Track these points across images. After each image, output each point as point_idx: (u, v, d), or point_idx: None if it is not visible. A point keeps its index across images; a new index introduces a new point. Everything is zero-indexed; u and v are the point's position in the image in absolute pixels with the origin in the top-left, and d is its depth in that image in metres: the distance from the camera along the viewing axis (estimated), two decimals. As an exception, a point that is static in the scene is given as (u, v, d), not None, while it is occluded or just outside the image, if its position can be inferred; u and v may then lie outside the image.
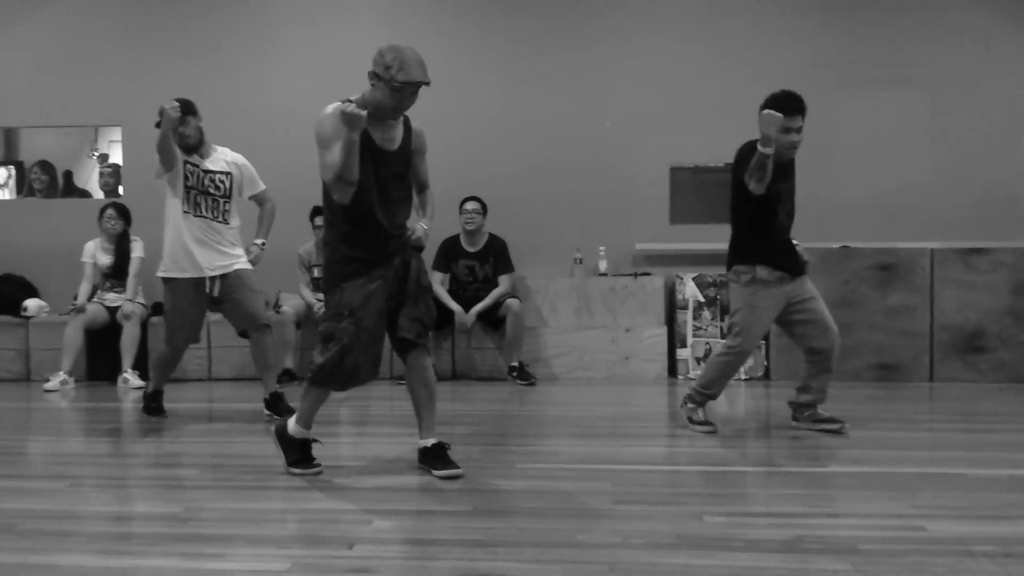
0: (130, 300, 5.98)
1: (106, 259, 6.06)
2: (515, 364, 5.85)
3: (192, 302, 4.41)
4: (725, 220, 6.80)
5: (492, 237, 6.15)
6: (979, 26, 6.32)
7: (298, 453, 3.34)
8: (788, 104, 3.93)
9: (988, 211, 6.36)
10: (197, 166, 4.40)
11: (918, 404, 5.06)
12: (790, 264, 4.09)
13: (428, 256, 6.11)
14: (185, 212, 4.37)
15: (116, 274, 6.05)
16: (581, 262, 6.39)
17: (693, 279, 6.12)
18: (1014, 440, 3.83)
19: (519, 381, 5.78)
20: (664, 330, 6.14)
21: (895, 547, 2.43)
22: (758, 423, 4.62)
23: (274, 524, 2.71)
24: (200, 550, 2.45)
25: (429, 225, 3.43)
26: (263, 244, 4.60)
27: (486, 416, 4.71)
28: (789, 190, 4.14)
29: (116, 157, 6.84)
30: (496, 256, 6.10)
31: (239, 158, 4.59)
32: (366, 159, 3.17)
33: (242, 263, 4.47)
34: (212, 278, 4.40)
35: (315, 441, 3.40)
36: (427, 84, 3.11)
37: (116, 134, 6.83)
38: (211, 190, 4.42)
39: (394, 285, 3.25)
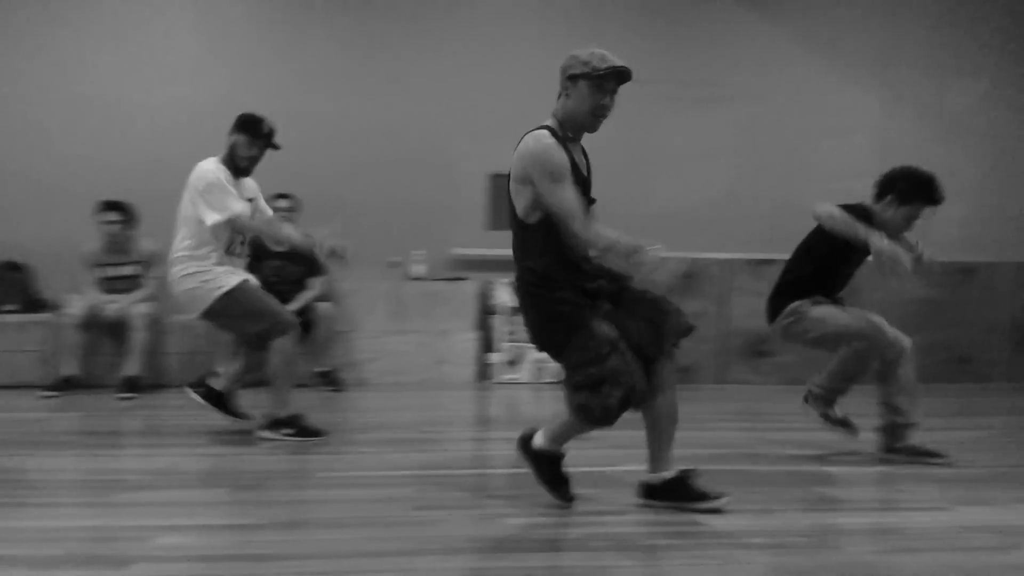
0: None
1: None
2: (324, 370, 5.71)
3: None
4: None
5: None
6: (776, 51, 6.78)
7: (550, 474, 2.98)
8: (932, 194, 3.62)
9: (778, 224, 6.82)
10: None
11: (707, 405, 5.34)
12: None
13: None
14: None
15: None
16: (397, 265, 6.34)
17: (506, 284, 6.20)
18: (790, 438, 4.12)
19: (327, 387, 5.64)
20: (477, 335, 6.19)
21: (677, 541, 2.54)
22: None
23: (35, 544, 2.48)
24: (-52, 578, 2.22)
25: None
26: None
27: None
28: (858, 262, 3.87)
29: None
30: (307, 257, 5.91)
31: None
32: (575, 184, 2.91)
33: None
34: None
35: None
36: (629, 74, 2.88)
37: None
38: None
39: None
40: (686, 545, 2.51)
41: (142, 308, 5.52)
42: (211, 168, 4.01)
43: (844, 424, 3.80)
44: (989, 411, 5.14)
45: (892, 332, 3.62)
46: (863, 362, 3.63)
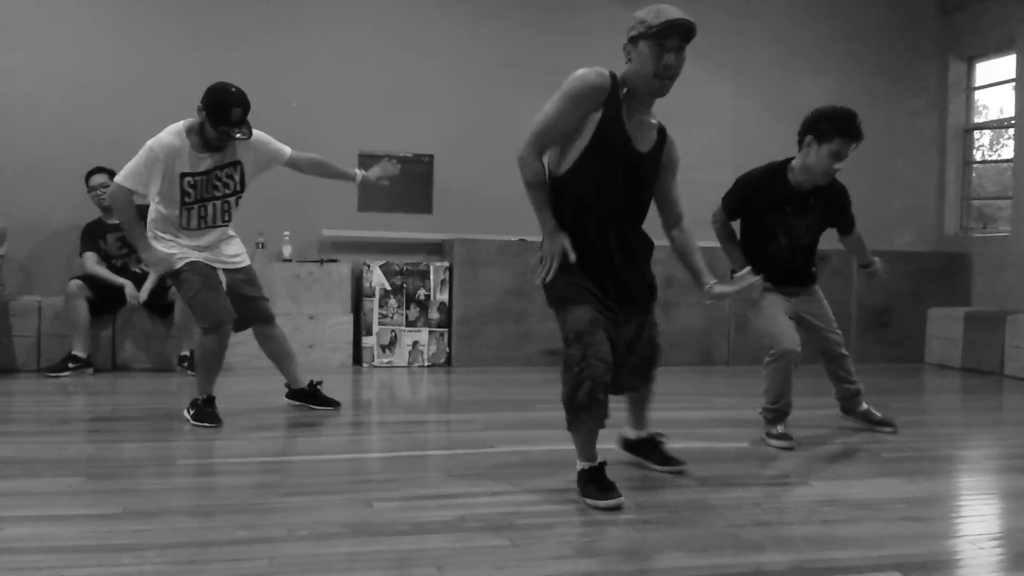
0: None
1: None
2: (185, 354, 5.48)
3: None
4: (413, 209, 6.90)
5: (137, 207, 5.66)
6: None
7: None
8: (851, 128, 3.55)
9: (654, 209, 7.01)
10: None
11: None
12: (790, 286, 3.82)
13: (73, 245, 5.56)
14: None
15: None
16: (264, 247, 6.14)
17: (380, 267, 6.12)
18: (660, 418, 4.24)
19: (189, 372, 5.42)
20: (350, 318, 6.09)
21: (547, 520, 2.57)
22: (439, 408, 4.72)
23: None
24: None
25: (716, 287, 2.90)
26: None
27: (149, 410, 4.36)
28: (806, 224, 3.74)
29: None
30: (145, 221, 5.61)
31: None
32: (615, 155, 2.68)
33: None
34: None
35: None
36: (691, 27, 2.58)
37: None
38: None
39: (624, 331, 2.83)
40: (555, 523, 2.55)
41: (-14, 288, 5.15)
42: (160, 135, 3.81)
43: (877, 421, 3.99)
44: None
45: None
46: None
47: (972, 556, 2.40)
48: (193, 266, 3.85)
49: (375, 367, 6.00)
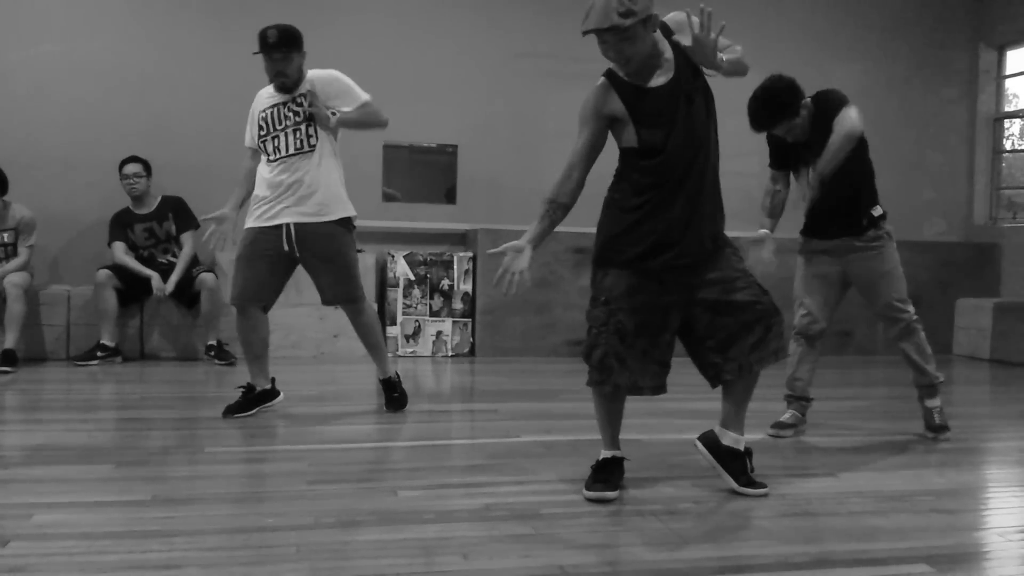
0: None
1: None
2: (212, 343, 5.54)
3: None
4: (437, 199, 6.91)
5: (165, 197, 5.73)
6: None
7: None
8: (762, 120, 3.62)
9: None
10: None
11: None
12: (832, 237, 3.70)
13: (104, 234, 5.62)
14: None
15: None
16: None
17: (404, 257, 6.14)
18: (685, 408, 4.23)
19: (217, 361, 5.47)
20: (375, 308, 6.11)
21: (574, 510, 2.58)
22: (463, 398, 4.74)
23: (-96, 527, 2.33)
24: None
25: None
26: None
27: (177, 399, 4.41)
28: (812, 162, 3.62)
29: None
30: (174, 212, 5.69)
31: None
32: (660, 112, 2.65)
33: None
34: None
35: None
36: (595, 32, 2.54)
37: None
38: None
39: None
40: (581, 513, 2.55)
41: (16, 278, 5.22)
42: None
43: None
44: (869, 382, 5.41)
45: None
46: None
47: (1000, 548, 2.38)
48: (244, 234, 3.86)
49: (399, 357, 6.02)
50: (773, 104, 3.58)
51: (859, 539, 2.38)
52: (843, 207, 3.64)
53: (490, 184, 6.63)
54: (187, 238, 5.64)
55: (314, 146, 3.82)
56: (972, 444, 3.65)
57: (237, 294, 3.83)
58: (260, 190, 3.87)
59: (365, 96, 3.96)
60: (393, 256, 6.13)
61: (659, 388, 2.75)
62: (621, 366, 2.66)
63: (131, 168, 5.55)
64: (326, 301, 3.96)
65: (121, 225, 5.60)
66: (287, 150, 3.82)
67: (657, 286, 2.68)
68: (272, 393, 3.96)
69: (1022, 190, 7.73)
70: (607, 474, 2.75)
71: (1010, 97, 7.69)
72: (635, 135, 2.67)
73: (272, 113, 3.86)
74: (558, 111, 6.78)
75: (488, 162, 6.63)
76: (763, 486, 2.78)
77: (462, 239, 6.65)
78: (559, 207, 2.80)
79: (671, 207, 2.65)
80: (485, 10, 6.67)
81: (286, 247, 3.78)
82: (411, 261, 6.15)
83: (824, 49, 7.20)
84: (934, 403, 3.72)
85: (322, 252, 3.82)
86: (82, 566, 2.07)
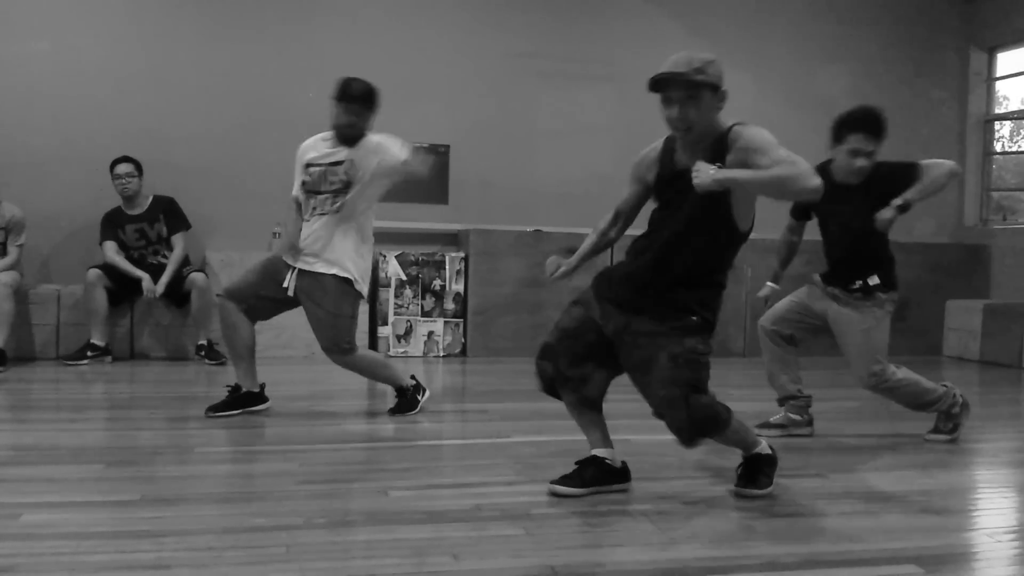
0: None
1: None
2: (202, 342, 5.52)
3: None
4: (429, 199, 6.90)
5: (157, 198, 5.71)
6: (657, 32, 6.89)
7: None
8: (858, 122, 3.52)
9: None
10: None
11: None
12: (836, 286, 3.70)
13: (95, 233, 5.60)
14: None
15: None
16: (279, 236, 6.16)
17: (396, 257, 6.14)
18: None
19: (207, 361, 5.46)
20: (366, 308, 6.09)
21: (564, 510, 2.58)
22: (454, 398, 4.73)
23: None
24: None
25: None
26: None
27: (167, 398, 4.39)
28: (854, 209, 3.58)
29: None
30: (166, 213, 5.67)
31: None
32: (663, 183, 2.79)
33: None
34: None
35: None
36: (669, 78, 2.58)
37: None
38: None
39: None
40: (570, 513, 2.55)
41: (5, 277, 5.20)
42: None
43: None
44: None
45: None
46: None
47: (989, 549, 2.39)
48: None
49: (390, 357, 6.01)
50: (882, 117, 3.55)
51: (848, 539, 2.38)
52: (859, 260, 3.68)
53: (482, 184, 6.63)
54: (178, 239, 5.62)
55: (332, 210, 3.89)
56: (961, 445, 3.66)
57: (227, 286, 3.94)
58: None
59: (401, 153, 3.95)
60: (385, 256, 6.12)
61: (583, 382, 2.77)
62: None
63: (123, 168, 5.52)
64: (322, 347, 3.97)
65: (112, 225, 5.58)
66: (315, 211, 3.92)
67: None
68: (260, 397, 3.96)
69: (1012, 192, 7.77)
70: (579, 470, 2.78)
71: (1000, 99, 7.73)
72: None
73: (318, 172, 3.92)
74: (550, 111, 6.81)
75: (480, 162, 6.63)
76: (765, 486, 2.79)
77: (454, 239, 6.64)
78: (605, 240, 3.00)
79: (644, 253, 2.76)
80: (478, 10, 6.67)
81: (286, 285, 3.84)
82: (403, 261, 6.15)
83: (815, 50, 7.23)
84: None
85: (315, 297, 3.85)
86: (70, 566, 2.06)
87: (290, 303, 3.92)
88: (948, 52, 7.51)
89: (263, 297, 3.87)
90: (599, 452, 2.81)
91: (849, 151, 3.50)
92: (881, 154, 3.59)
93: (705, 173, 2.48)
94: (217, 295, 3.90)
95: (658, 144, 2.82)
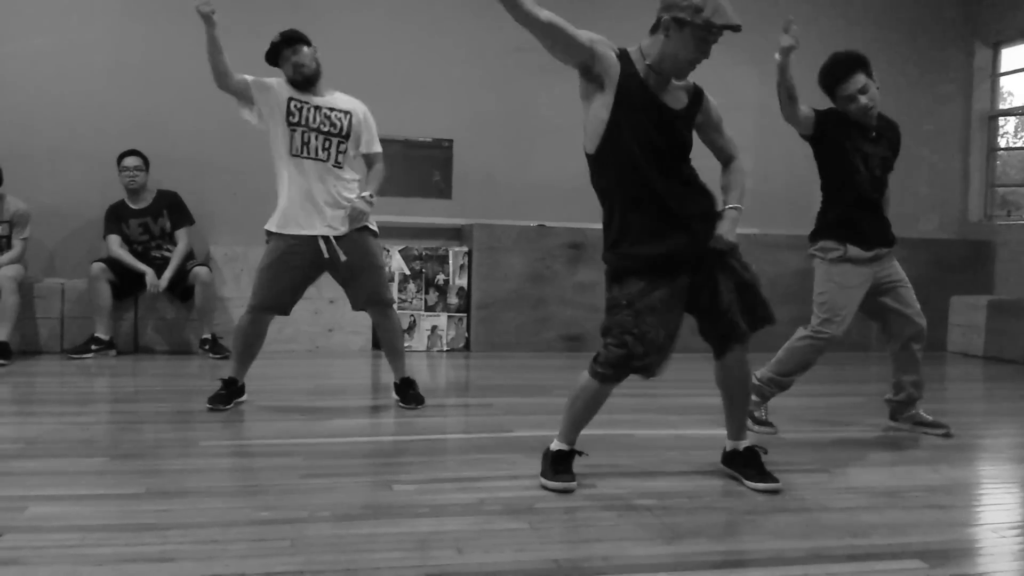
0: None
1: None
2: (206, 336, 5.53)
3: (297, 266, 3.79)
4: (433, 194, 6.90)
5: (161, 192, 5.72)
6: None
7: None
8: (835, 70, 3.59)
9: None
10: (306, 102, 3.78)
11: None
12: (879, 240, 3.61)
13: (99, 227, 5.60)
14: (293, 155, 3.76)
15: None
16: (284, 231, 6.16)
17: (400, 251, 6.14)
18: (679, 403, 4.24)
19: (211, 355, 5.47)
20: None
21: (568, 504, 2.58)
22: (458, 392, 4.74)
23: None
24: None
25: (734, 222, 2.72)
26: (371, 196, 3.89)
27: (171, 392, 4.39)
28: (880, 155, 3.60)
29: None
30: (169, 208, 5.67)
31: (362, 105, 3.96)
32: (651, 116, 2.61)
33: (369, 224, 3.90)
34: (332, 239, 3.79)
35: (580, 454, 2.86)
36: (740, 29, 2.55)
37: None
38: (324, 127, 3.79)
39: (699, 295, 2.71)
40: (576, 507, 2.55)
41: (10, 271, 5.21)
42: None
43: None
44: (865, 379, 5.41)
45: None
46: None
47: (993, 544, 2.39)
48: (278, 237, 3.84)
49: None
50: (853, 54, 3.58)
51: (853, 534, 2.38)
52: (882, 208, 3.71)
53: (485, 179, 6.63)
54: (182, 235, 5.63)
55: (336, 161, 3.87)
56: (966, 440, 3.66)
57: (259, 301, 3.83)
58: (286, 186, 3.85)
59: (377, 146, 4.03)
60: (388, 251, 6.12)
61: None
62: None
63: (131, 161, 5.54)
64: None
65: (116, 219, 5.59)
66: (315, 153, 3.82)
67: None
68: (243, 389, 3.99)
69: (1016, 188, 7.75)
70: (568, 465, 2.78)
71: (1005, 95, 7.71)
72: (610, 125, 2.65)
73: (307, 109, 3.82)
74: (553, 106, 6.78)
75: (483, 157, 6.62)
76: (774, 480, 2.79)
77: (457, 234, 6.64)
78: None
79: None
80: (480, 5, 6.64)
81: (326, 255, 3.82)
82: (406, 256, 6.15)
83: (820, 46, 7.17)
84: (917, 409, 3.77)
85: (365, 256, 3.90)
86: (76, 559, 2.07)
87: (315, 277, 3.92)
88: (953, 48, 7.48)
89: (298, 292, 3.87)
90: (575, 447, 2.84)
91: (852, 94, 3.50)
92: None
93: (727, 240, 2.66)
94: (250, 311, 3.82)
95: (612, 52, 2.66)
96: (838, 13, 7.23)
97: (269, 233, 3.86)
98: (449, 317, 6.19)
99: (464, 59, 6.62)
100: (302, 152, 3.79)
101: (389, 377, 5.18)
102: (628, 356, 2.63)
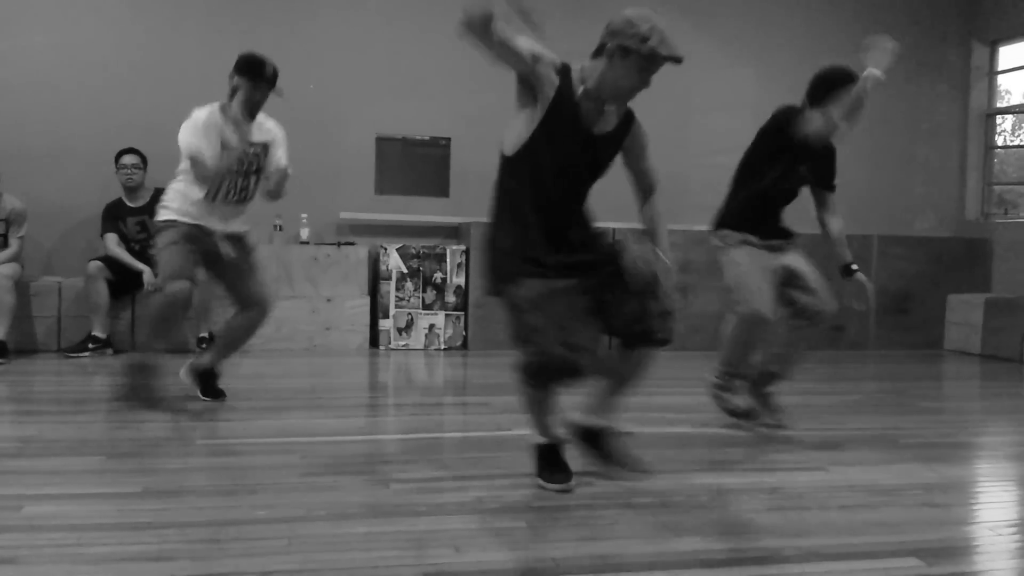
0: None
1: None
2: (203, 335, 5.52)
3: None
4: (430, 193, 6.89)
5: (159, 191, 5.70)
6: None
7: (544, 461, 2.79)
8: (839, 81, 3.64)
9: (661, 196, 6.96)
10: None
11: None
12: (776, 235, 3.66)
13: (96, 225, 5.59)
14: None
15: None
16: (281, 229, 6.16)
17: (397, 250, 6.13)
18: (677, 402, 4.24)
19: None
20: (367, 300, 6.10)
21: (565, 503, 2.58)
22: (455, 391, 4.74)
23: None
24: None
25: (666, 256, 2.85)
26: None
27: (168, 390, 4.38)
28: (806, 174, 3.70)
29: None
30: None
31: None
32: (574, 138, 2.64)
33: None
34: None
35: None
36: (681, 61, 2.59)
37: None
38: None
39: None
40: (574, 506, 2.55)
41: (7, 269, 5.20)
42: (200, 110, 3.96)
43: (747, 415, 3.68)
44: (861, 377, 5.42)
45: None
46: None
47: (990, 543, 2.39)
48: (174, 224, 3.94)
49: (391, 350, 6.01)
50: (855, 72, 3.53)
51: (849, 532, 2.39)
52: (780, 215, 3.75)
53: (483, 177, 6.57)
54: None
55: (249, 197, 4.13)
56: (963, 439, 3.66)
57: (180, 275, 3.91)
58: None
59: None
60: (386, 249, 6.12)
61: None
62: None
63: (129, 159, 5.53)
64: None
65: (113, 217, 5.58)
66: (226, 196, 4.03)
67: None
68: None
69: (1013, 186, 7.76)
70: (561, 461, 2.78)
71: (1002, 93, 7.71)
72: (533, 136, 2.71)
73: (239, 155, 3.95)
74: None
75: (481, 155, 6.56)
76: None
77: (455, 232, 6.64)
78: None
79: None
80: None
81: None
82: (404, 254, 6.14)
83: (817, 44, 7.19)
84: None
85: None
86: (72, 558, 2.07)
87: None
88: (950, 46, 7.49)
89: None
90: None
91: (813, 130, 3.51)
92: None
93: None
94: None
95: (552, 71, 2.66)
96: (836, 12, 7.23)
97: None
98: (447, 315, 6.19)
99: (462, 57, 6.57)
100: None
101: (388, 375, 5.20)
102: (546, 360, 2.61)
